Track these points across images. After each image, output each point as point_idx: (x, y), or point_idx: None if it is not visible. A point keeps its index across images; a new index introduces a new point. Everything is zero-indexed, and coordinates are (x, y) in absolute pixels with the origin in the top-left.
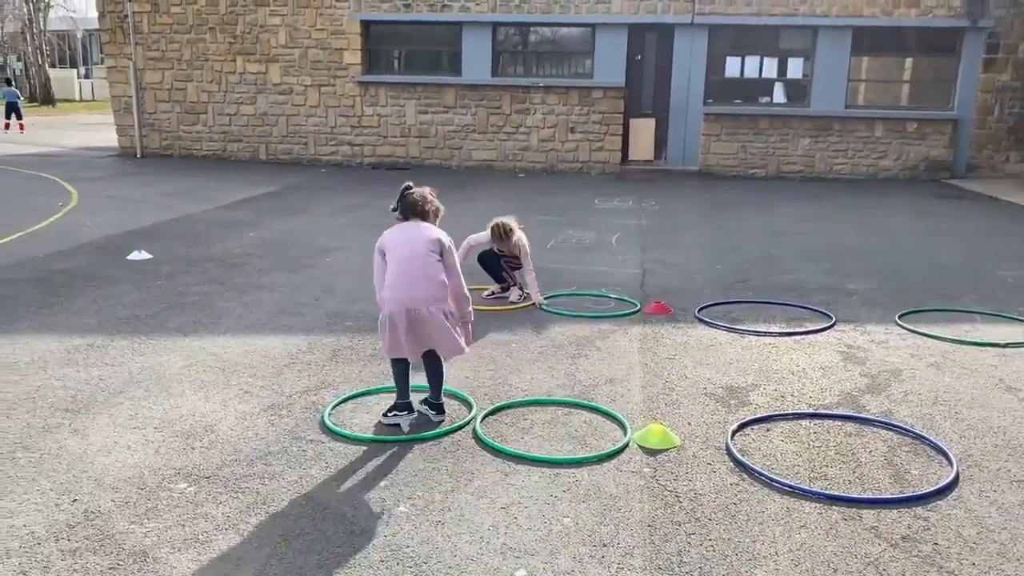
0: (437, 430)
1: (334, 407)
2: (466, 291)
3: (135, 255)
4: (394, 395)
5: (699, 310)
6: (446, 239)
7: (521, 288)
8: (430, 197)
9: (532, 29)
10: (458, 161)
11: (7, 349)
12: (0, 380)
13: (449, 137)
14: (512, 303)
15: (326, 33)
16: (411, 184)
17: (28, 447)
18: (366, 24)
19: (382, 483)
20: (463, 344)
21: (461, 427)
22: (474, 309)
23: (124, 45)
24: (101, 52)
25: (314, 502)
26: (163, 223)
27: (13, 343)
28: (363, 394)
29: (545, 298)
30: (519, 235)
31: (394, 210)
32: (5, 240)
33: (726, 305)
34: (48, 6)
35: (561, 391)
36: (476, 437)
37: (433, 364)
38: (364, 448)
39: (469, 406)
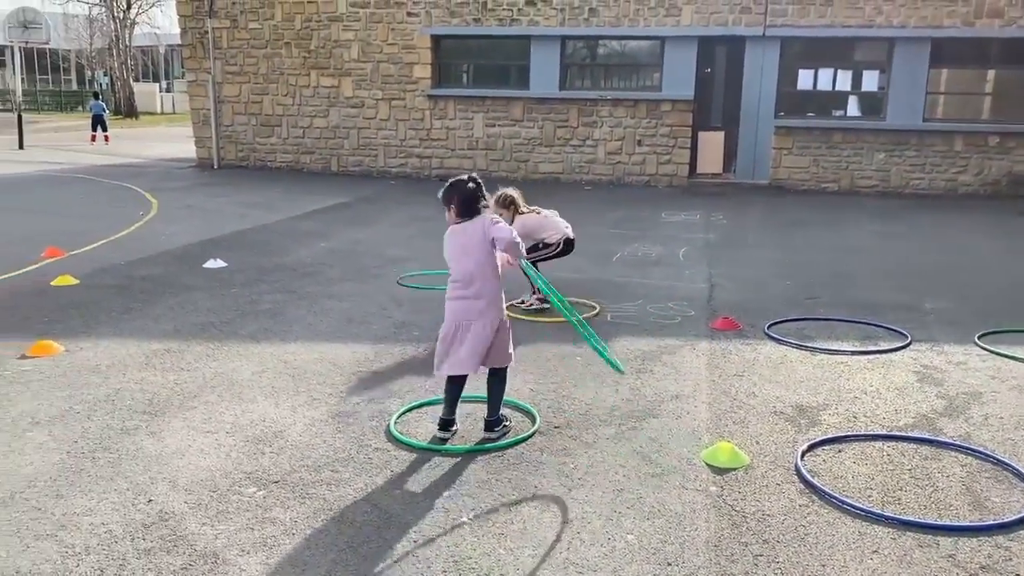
0: (500, 442)
1: (400, 416)
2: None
3: (211, 263)
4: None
5: (768, 326)
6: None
7: (542, 299)
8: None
9: (600, 42)
10: (524, 174)
11: (90, 352)
12: (82, 382)
13: (516, 150)
14: (522, 304)
15: (397, 48)
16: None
17: (107, 448)
18: (436, 39)
19: (445, 493)
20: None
21: (525, 439)
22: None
23: (204, 60)
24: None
25: (379, 510)
26: (238, 232)
27: (95, 346)
28: (428, 404)
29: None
30: (520, 220)
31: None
32: (90, 247)
33: (796, 322)
34: (134, 23)
35: (626, 406)
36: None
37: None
38: (428, 457)
39: (533, 419)
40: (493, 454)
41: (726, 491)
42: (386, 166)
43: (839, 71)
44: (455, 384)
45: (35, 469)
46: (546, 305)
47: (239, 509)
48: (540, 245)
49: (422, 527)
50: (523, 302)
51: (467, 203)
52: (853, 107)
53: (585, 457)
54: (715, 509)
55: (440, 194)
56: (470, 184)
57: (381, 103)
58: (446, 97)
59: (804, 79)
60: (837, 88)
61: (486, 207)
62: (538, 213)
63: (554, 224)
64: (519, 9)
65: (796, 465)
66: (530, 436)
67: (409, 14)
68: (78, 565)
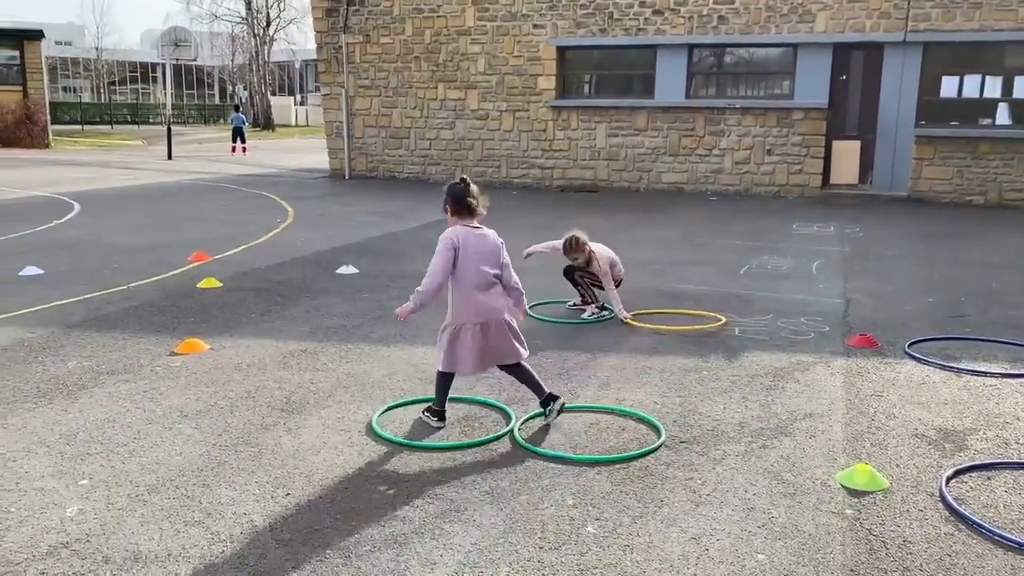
0: (624, 454)
1: (524, 422)
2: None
3: (343, 269)
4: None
5: (909, 345)
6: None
7: (601, 307)
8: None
9: (728, 50)
10: (647, 184)
11: (232, 351)
12: (225, 379)
13: (638, 160)
14: (583, 319)
15: (523, 60)
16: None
17: (249, 442)
18: (562, 50)
19: (570, 501)
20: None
21: (652, 451)
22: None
23: (338, 74)
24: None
25: (504, 513)
26: (368, 240)
27: (237, 345)
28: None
29: (632, 314)
30: (592, 250)
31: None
32: (232, 252)
33: (940, 341)
34: (272, 40)
35: (756, 423)
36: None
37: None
38: (554, 464)
39: (658, 432)
40: (617, 466)
41: (863, 515)
42: (508, 177)
43: (987, 77)
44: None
45: (184, 459)
46: (605, 312)
47: (370, 506)
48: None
49: (547, 534)
50: (575, 305)
51: (457, 200)
52: (1003, 115)
53: (713, 474)
54: (851, 533)
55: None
56: (460, 183)
57: (505, 114)
58: (569, 108)
59: (948, 86)
60: (985, 95)
61: (474, 202)
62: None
63: (619, 262)
64: (646, 19)
65: (940, 491)
66: (656, 448)
67: (535, 26)
68: (223, 551)
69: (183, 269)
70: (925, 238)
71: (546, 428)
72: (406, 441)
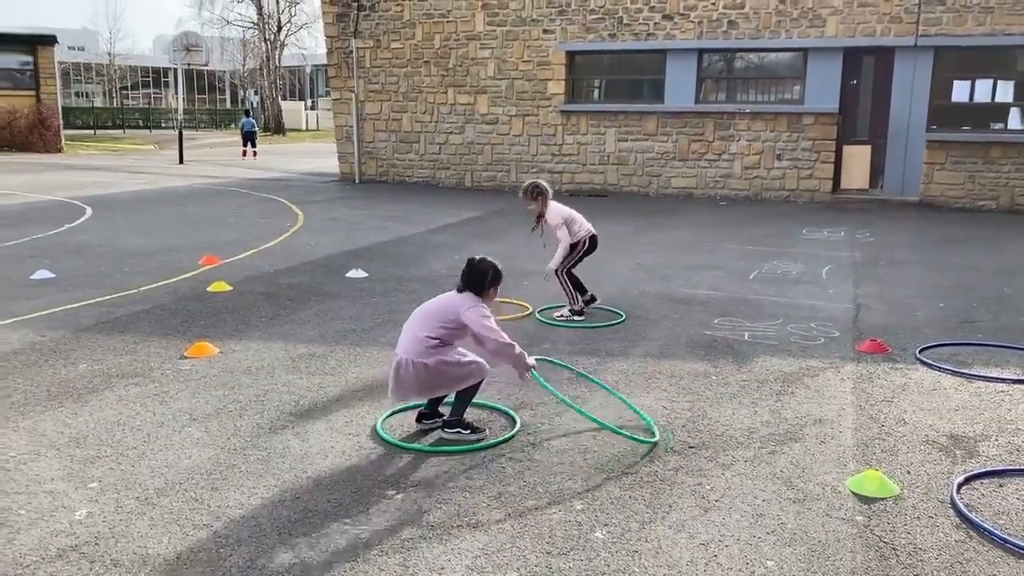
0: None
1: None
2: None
3: (353, 273)
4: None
5: (920, 351)
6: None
7: (577, 312)
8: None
9: (738, 55)
10: (656, 188)
11: (241, 355)
12: (235, 382)
13: (648, 164)
14: (553, 320)
15: (532, 64)
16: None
17: (257, 446)
18: (571, 55)
19: (578, 506)
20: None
21: (649, 445)
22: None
23: (348, 79)
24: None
25: (512, 519)
26: (378, 244)
27: (246, 349)
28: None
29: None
30: (548, 203)
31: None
32: (242, 256)
33: (951, 347)
34: (283, 45)
35: (765, 429)
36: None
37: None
38: (562, 467)
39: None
40: (626, 472)
41: (873, 522)
42: (518, 181)
43: (999, 81)
44: None
45: (192, 463)
46: (577, 319)
47: (379, 510)
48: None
49: (555, 539)
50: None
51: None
52: (1015, 119)
53: (722, 479)
54: (861, 540)
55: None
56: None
57: (515, 119)
58: (579, 112)
59: (960, 90)
60: (997, 99)
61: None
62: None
63: (581, 218)
64: (655, 23)
65: (951, 498)
66: (651, 446)
67: (545, 31)
68: (231, 555)
69: (194, 273)
70: (936, 243)
71: (555, 432)
72: (411, 445)
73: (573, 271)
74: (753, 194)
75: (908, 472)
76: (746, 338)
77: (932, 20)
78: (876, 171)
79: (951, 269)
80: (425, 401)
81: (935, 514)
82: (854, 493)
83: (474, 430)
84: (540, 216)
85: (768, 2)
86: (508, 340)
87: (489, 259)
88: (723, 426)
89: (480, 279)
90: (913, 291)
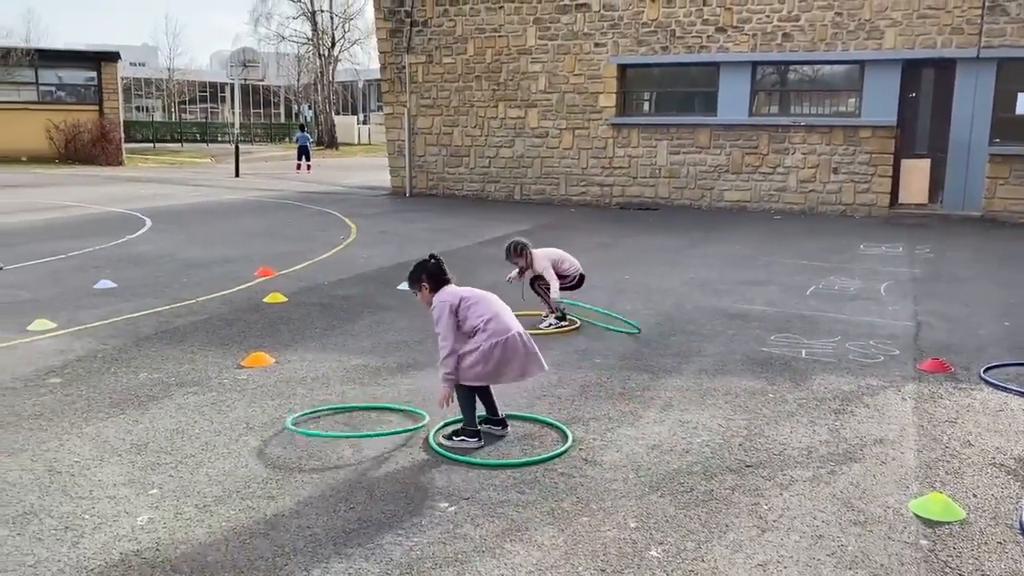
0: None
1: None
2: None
3: (404, 285)
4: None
5: (984, 370)
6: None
7: (559, 317)
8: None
9: (792, 67)
10: (708, 202)
11: (297, 365)
12: (290, 392)
13: (700, 177)
14: (540, 328)
15: (583, 78)
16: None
17: (312, 455)
18: (623, 68)
19: (632, 524)
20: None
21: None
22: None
23: (400, 94)
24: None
25: (565, 535)
26: None
27: (302, 359)
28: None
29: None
30: (532, 255)
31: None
32: (297, 268)
33: (1017, 366)
34: (337, 60)
35: (824, 448)
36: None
37: None
38: (616, 484)
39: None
40: (681, 490)
41: (938, 546)
42: (567, 194)
43: None
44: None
45: (249, 471)
46: (563, 323)
47: (431, 523)
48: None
49: (609, 556)
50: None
51: (435, 277)
52: None
53: (780, 499)
54: (926, 564)
55: (407, 281)
56: (432, 261)
57: (565, 132)
58: (630, 125)
59: None
60: None
61: (449, 275)
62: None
63: (571, 258)
64: (708, 36)
65: (1021, 522)
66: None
67: (596, 45)
68: (287, 564)
69: (250, 284)
70: (1000, 259)
71: (608, 448)
72: (464, 458)
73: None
74: (808, 208)
75: (974, 495)
76: (803, 355)
77: (995, 31)
78: (936, 185)
79: (1016, 286)
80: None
81: (1003, 539)
82: (918, 516)
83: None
84: (523, 270)
85: (824, 15)
86: (442, 359)
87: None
88: (780, 445)
89: (438, 275)
90: (976, 308)
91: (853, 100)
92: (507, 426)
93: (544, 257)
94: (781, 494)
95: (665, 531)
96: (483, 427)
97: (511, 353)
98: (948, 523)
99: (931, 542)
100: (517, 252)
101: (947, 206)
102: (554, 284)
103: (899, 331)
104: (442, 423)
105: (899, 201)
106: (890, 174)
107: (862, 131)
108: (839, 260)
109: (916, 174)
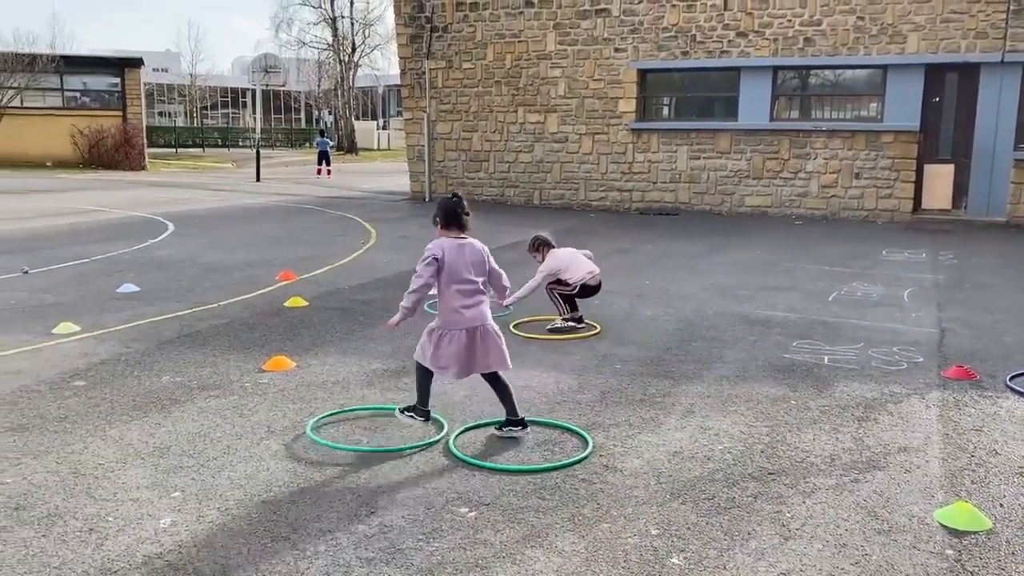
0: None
1: (463, 432)
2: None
3: None
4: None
5: (1011, 378)
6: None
7: (576, 320)
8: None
9: (814, 72)
10: (729, 207)
11: (317, 369)
12: (311, 396)
13: (721, 183)
14: (548, 329)
15: (603, 83)
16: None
17: (333, 459)
18: (643, 73)
19: (654, 531)
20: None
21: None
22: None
23: (420, 99)
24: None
25: (586, 542)
26: None
27: (322, 363)
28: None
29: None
30: (549, 256)
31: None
32: (317, 272)
33: None
34: (357, 66)
35: (847, 456)
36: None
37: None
38: (637, 491)
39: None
40: (702, 497)
41: (964, 556)
42: (587, 199)
43: None
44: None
45: (271, 475)
46: (580, 326)
47: (452, 528)
48: (562, 281)
49: (630, 563)
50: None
51: (448, 214)
52: None
53: (803, 507)
54: (952, 575)
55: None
56: (453, 199)
57: (584, 137)
58: (650, 130)
59: None
60: None
61: (467, 216)
62: (571, 251)
63: (579, 264)
64: (729, 41)
65: None
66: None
67: (616, 50)
68: (308, 568)
69: (271, 288)
70: None
71: (629, 454)
72: (484, 463)
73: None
74: (830, 213)
75: (1001, 505)
76: (826, 362)
77: (1020, 35)
78: (959, 191)
79: None
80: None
81: None
82: (943, 525)
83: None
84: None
85: (846, 19)
86: (410, 289)
87: (448, 195)
88: (803, 452)
89: (453, 212)
90: (1001, 315)
91: (875, 105)
92: (527, 427)
93: (551, 259)
94: (804, 502)
95: (687, 538)
96: (505, 429)
97: (458, 346)
98: (974, 533)
99: (957, 552)
100: (535, 248)
101: (971, 212)
102: (524, 289)
103: (923, 338)
104: (462, 428)
105: (922, 207)
106: (913, 179)
107: (884, 136)
108: (861, 266)
109: (939, 179)
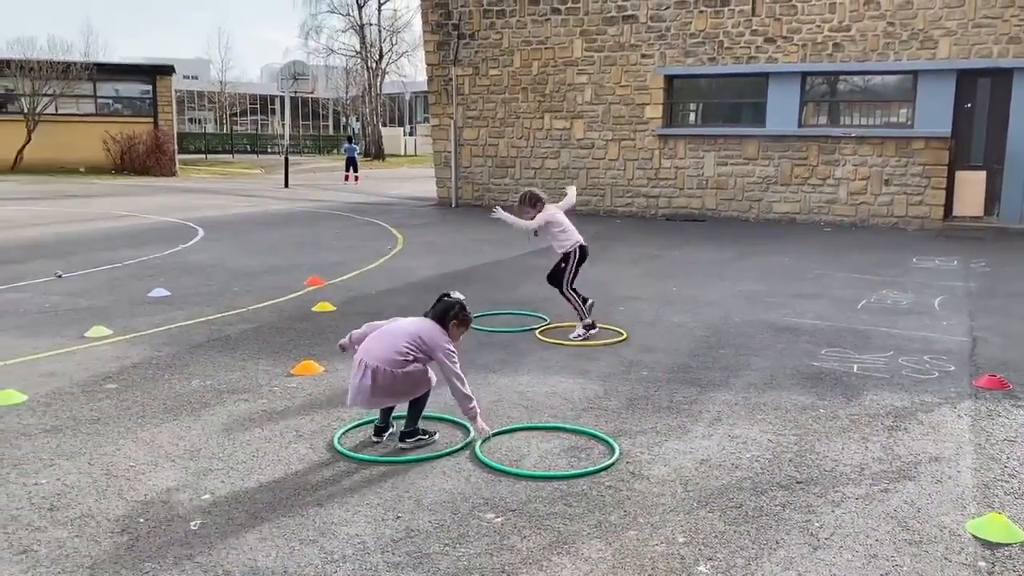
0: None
1: (486, 438)
2: (463, 391)
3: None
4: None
5: None
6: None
7: (588, 326)
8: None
9: (843, 78)
10: (757, 213)
11: (345, 373)
12: (339, 401)
13: (748, 189)
14: (570, 339)
15: (630, 89)
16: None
17: (360, 464)
18: (670, 79)
19: (680, 539)
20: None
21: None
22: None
23: (447, 105)
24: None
25: (613, 549)
26: (474, 267)
27: (349, 368)
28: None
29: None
30: (544, 210)
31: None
32: (345, 277)
33: None
34: (384, 73)
35: (877, 465)
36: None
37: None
38: (664, 498)
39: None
40: (730, 506)
41: (998, 568)
42: (613, 205)
43: None
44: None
45: (299, 479)
46: (593, 331)
47: (478, 534)
48: (561, 262)
49: (657, 571)
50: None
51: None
52: None
53: (832, 517)
54: None
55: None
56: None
57: (611, 144)
58: (676, 136)
59: None
60: None
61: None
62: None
63: (566, 227)
64: (757, 47)
65: None
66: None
67: (643, 56)
68: (336, 571)
69: (299, 293)
70: None
71: (656, 462)
72: (511, 469)
73: (574, 285)
74: (859, 220)
75: None
76: (855, 370)
77: None
78: (992, 198)
79: None
80: (375, 412)
81: None
82: (976, 537)
83: (429, 433)
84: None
85: (875, 24)
86: (468, 393)
87: (457, 296)
88: (832, 461)
89: (444, 313)
90: None
91: (905, 111)
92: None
93: (546, 212)
94: (833, 511)
95: (714, 547)
96: (382, 436)
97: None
98: (1008, 545)
99: (990, 564)
100: (530, 203)
101: (1003, 219)
102: (520, 223)
103: (954, 346)
104: (489, 433)
105: (953, 214)
106: (944, 186)
107: (915, 142)
108: (891, 273)
109: (971, 186)
